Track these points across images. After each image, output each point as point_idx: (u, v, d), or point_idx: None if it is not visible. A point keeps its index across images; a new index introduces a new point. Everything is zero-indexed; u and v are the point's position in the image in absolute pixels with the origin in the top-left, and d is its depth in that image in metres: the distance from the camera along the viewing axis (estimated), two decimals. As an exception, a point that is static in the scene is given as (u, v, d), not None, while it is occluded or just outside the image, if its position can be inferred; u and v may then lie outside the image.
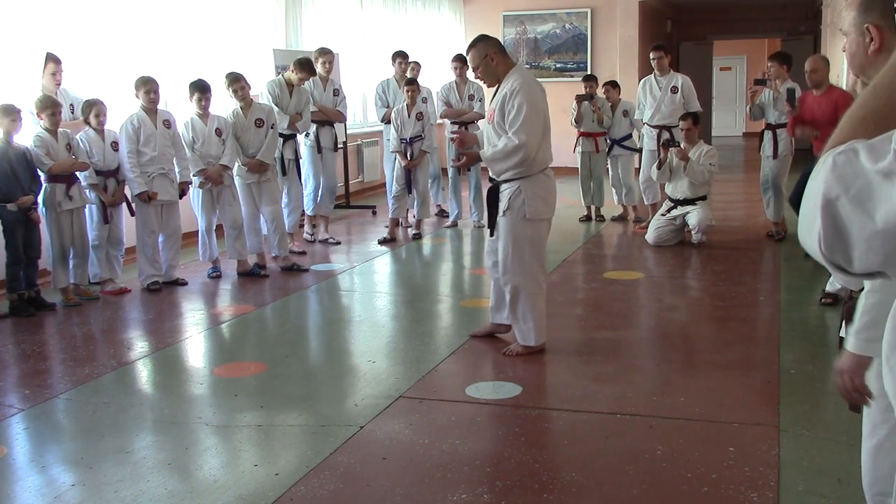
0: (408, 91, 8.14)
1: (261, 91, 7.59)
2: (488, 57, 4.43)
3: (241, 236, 6.75)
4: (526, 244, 4.50)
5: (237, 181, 6.85)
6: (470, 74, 9.21)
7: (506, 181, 4.47)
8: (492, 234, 4.69)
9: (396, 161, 8.21)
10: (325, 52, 8.01)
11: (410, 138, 8.14)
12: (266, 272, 6.79)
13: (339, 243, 8.08)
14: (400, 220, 8.37)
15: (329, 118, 8.05)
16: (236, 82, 6.72)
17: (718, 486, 3.07)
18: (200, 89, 6.50)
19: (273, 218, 6.93)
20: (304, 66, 7.29)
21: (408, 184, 8.17)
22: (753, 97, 7.60)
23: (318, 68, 7.86)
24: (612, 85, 8.88)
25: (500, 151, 4.36)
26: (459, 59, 8.78)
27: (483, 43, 4.48)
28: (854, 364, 1.95)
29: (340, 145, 9.60)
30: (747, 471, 3.17)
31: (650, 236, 7.62)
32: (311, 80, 7.71)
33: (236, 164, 6.77)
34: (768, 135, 7.80)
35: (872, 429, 2.02)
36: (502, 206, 4.49)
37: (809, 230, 1.13)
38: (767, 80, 7.61)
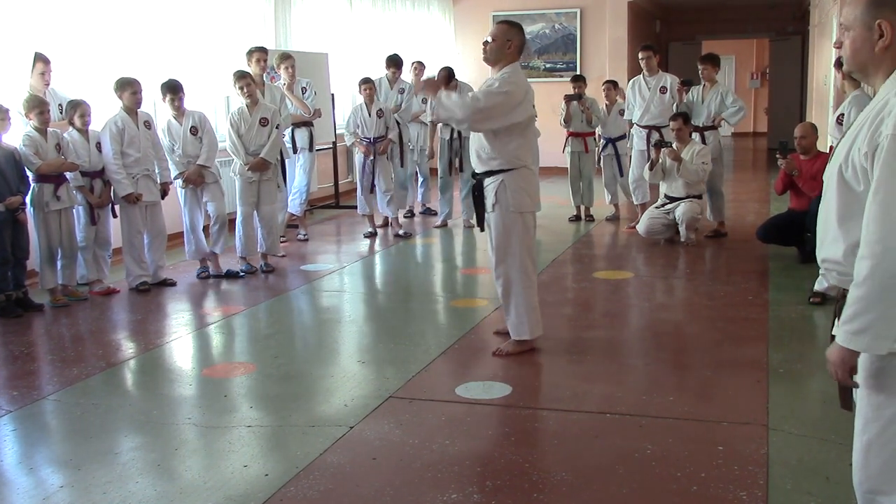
0: (365, 89, 8.07)
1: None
2: (509, 41, 4.46)
3: (223, 232, 6.71)
4: (515, 237, 4.53)
5: (237, 181, 6.82)
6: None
7: (489, 174, 4.51)
8: (482, 230, 4.78)
9: (358, 158, 8.16)
10: (286, 58, 7.92)
11: (374, 138, 8.08)
12: (253, 268, 6.80)
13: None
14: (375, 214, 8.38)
15: (303, 119, 8.02)
16: (243, 79, 6.69)
17: (707, 484, 3.08)
18: (172, 90, 6.41)
19: (269, 217, 6.91)
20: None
21: (371, 184, 8.11)
22: (681, 96, 8.02)
23: (282, 74, 7.89)
24: (613, 85, 8.92)
25: (456, 100, 4.42)
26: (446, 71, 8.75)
27: (515, 29, 4.54)
28: (840, 356, 1.95)
29: (329, 145, 9.62)
30: (736, 469, 3.18)
31: (641, 226, 7.69)
32: (276, 84, 7.80)
33: (239, 164, 6.74)
34: (696, 137, 7.88)
35: (864, 426, 2.02)
36: (489, 201, 4.53)
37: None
38: (693, 82, 8.12)
